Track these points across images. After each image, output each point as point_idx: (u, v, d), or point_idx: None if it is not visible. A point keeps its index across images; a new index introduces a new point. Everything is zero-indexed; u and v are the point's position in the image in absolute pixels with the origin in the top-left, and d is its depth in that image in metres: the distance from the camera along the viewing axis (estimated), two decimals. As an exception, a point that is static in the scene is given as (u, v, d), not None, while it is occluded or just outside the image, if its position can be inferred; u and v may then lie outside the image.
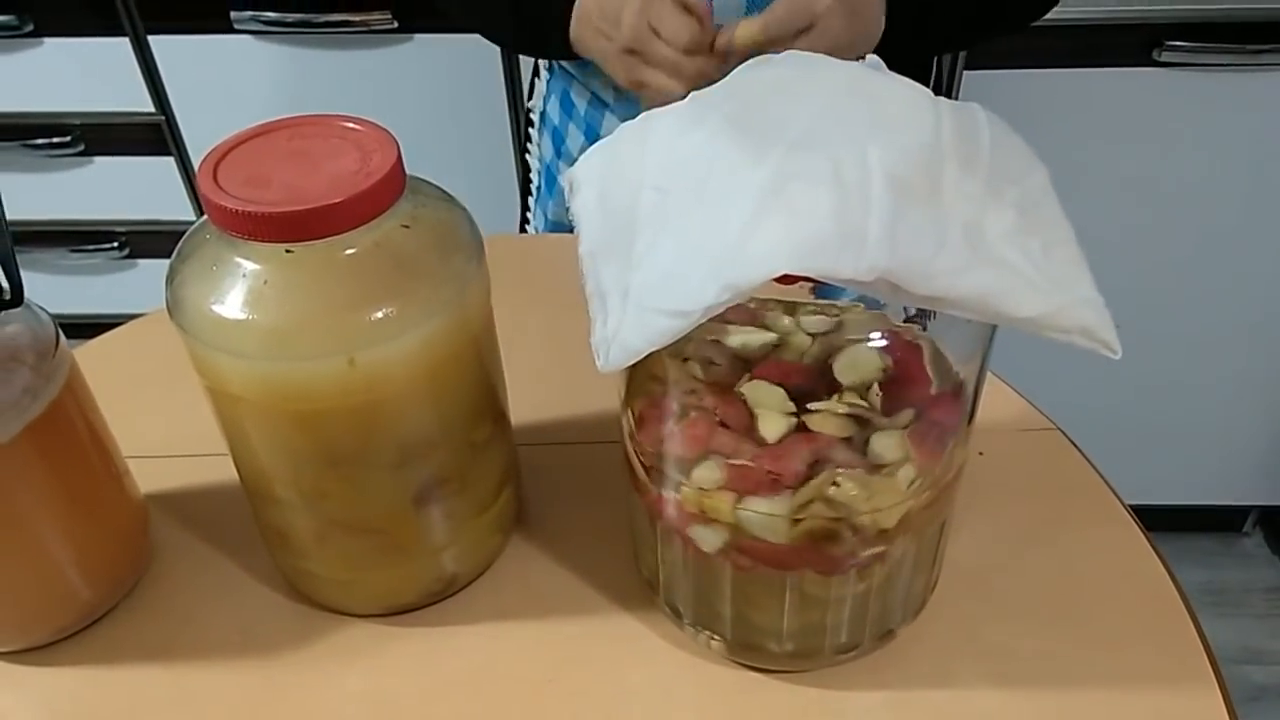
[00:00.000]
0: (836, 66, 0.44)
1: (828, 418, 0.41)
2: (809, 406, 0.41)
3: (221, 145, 0.45)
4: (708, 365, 0.41)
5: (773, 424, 0.41)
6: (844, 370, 0.40)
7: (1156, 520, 0.70)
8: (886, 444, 0.41)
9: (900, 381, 0.41)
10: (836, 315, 0.41)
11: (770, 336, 0.41)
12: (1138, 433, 1.36)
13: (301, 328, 0.43)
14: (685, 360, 0.42)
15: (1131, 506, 0.59)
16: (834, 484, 0.41)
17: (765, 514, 0.43)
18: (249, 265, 0.43)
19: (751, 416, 0.41)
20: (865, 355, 0.40)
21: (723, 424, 0.42)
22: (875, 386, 0.40)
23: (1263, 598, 1.42)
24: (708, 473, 0.43)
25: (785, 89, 0.42)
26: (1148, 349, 1.28)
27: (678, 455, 0.44)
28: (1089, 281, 0.39)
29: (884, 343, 0.40)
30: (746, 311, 0.42)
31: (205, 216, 0.44)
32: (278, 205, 0.41)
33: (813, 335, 0.41)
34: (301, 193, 0.42)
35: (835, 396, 0.40)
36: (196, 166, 0.50)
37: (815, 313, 0.41)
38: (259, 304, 0.42)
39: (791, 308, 0.42)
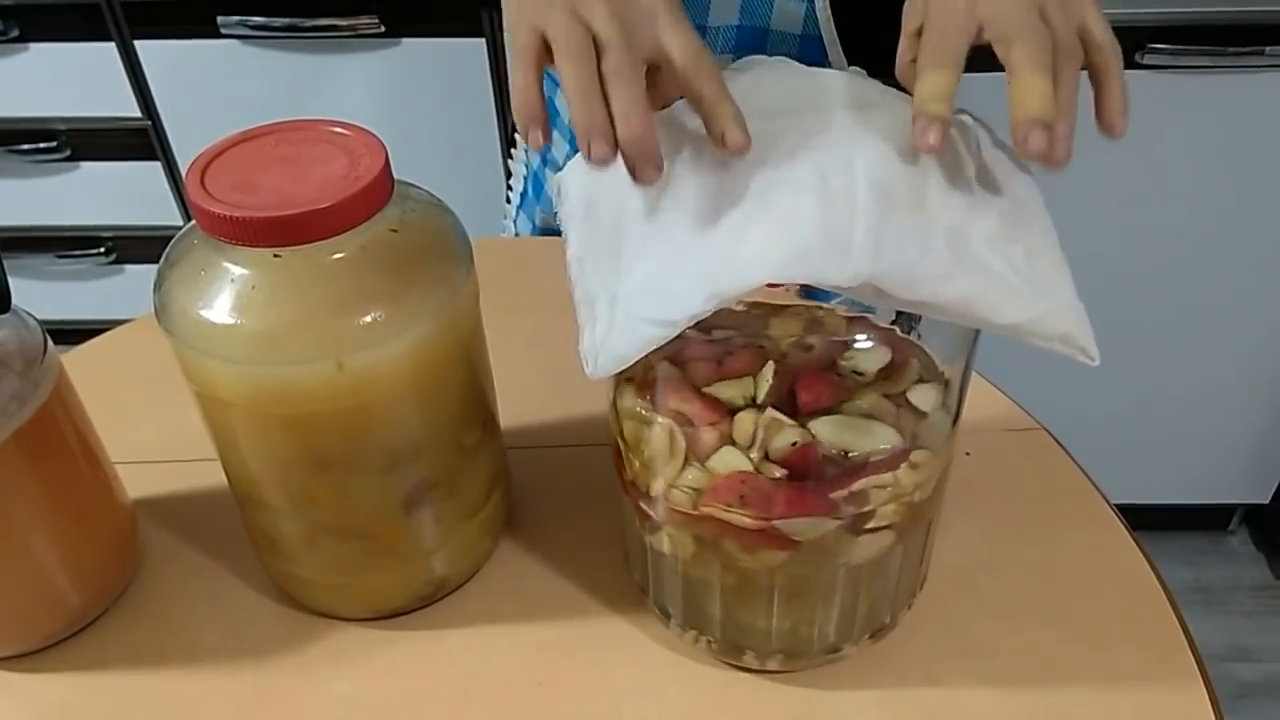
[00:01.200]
0: (821, 75, 0.45)
1: (748, 421, 0.42)
2: (765, 404, 0.42)
3: (209, 150, 0.45)
4: (803, 345, 0.42)
5: (728, 388, 0.42)
6: (829, 426, 0.42)
7: (1142, 519, 0.70)
8: (722, 457, 0.42)
9: (826, 474, 0.42)
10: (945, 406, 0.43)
11: (879, 361, 0.42)
12: (1124, 432, 1.36)
13: (289, 332, 0.43)
14: (802, 337, 0.43)
15: (1117, 506, 0.60)
16: (647, 423, 0.44)
17: (618, 405, 0.44)
18: (237, 270, 0.43)
19: (745, 373, 0.43)
20: (858, 435, 0.42)
21: (722, 363, 0.43)
22: (803, 448, 0.41)
23: (1249, 595, 1.42)
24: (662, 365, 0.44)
25: (770, 97, 0.43)
26: (1133, 349, 1.28)
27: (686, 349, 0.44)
28: (1070, 288, 0.39)
29: (884, 453, 0.42)
30: (918, 363, 0.43)
31: (193, 222, 0.44)
32: (265, 210, 0.41)
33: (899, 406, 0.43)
34: (289, 198, 0.42)
35: (783, 420, 0.41)
36: (184, 172, 0.50)
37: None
38: (247, 309, 0.42)
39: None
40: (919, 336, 0.44)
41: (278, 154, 0.45)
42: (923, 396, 0.43)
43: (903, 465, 0.42)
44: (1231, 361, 1.31)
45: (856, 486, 0.42)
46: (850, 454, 0.42)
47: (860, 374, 0.42)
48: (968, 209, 0.39)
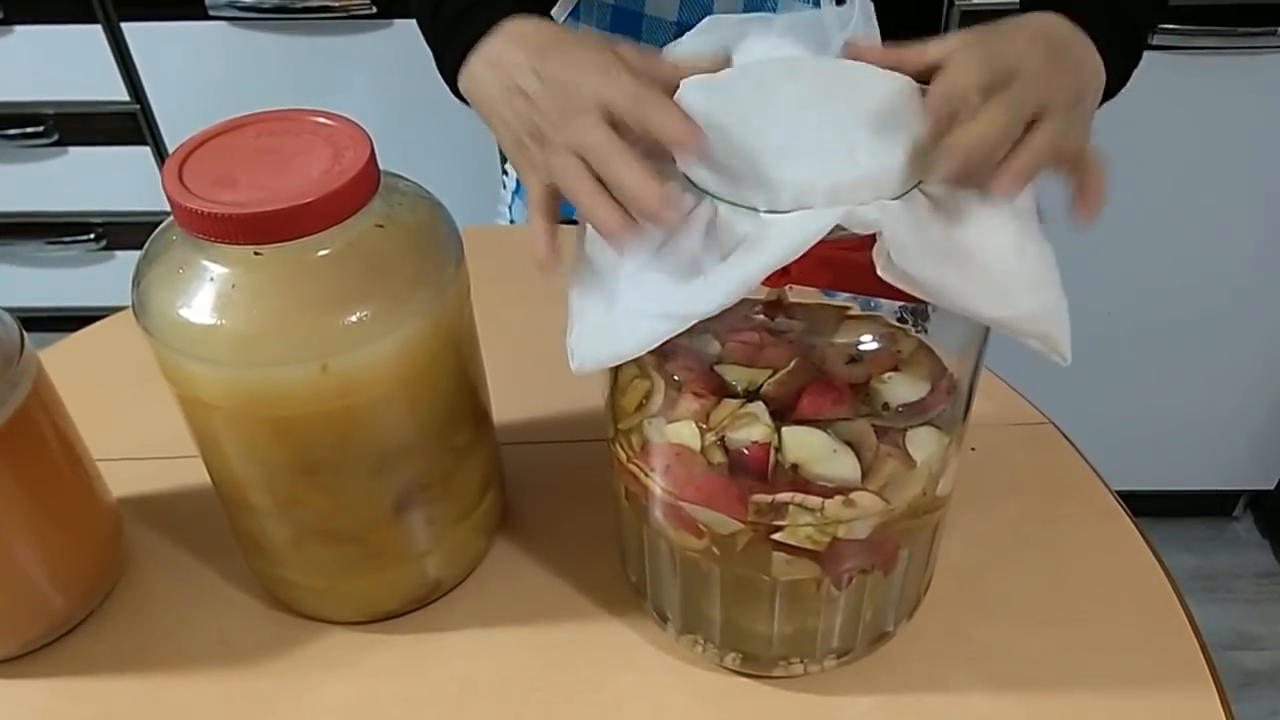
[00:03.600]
0: (814, 63, 0.43)
1: (726, 408, 0.41)
2: (763, 396, 0.41)
3: (187, 143, 0.43)
4: (850, 358, 0.41)
5: (737, 372, 0.42)
6: (797, 437, 0.40)
7: (1147, 506, 0.69)
8: (678, 428, 0.42)
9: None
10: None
11: (906, 397, 0.41)
12: (1128, 418, 1.35)
13: (272, 333, 0.41)
14: (855, 349, 0.41)
15: (1122, 492, 0.59)
16: (644, 374, 0.43)
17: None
18: (216, 268, 0.41)
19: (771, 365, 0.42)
20: (818, 456, 0.41)
21: (761, 350, 0.42)
22: (758, 449, 0.40)
23: (1253, 582, 1.41)
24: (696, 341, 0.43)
25: (766, 90, 0.41)
26: (1138, 334, 1.27)
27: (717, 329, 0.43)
28: (1057, 284, 0.38)
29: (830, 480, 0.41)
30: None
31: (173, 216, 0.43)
32: (245, 206, 0.39)
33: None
34: (270, 192, 0.40)
35: (758, 417, 0.41)
36: (170, 159, 0.48)
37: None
38: (228, 308, 0.41)
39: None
40: (926, 333, 0.43)
41: (259, 146, 0.43)
42: (922, 443, 0.42)
43: (837, 497, 0.41)
44: (1237, 346, 1.30)
45: (780, 498, 0.41)
46: (798, 468, 0.41)
47: (886, 405, 0.41)
48: (959, 198, 0.38)
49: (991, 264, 0.37)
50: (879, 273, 0.35)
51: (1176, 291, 1.25)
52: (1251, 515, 1.51)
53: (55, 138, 1.29)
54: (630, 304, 0.37)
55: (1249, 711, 1.26)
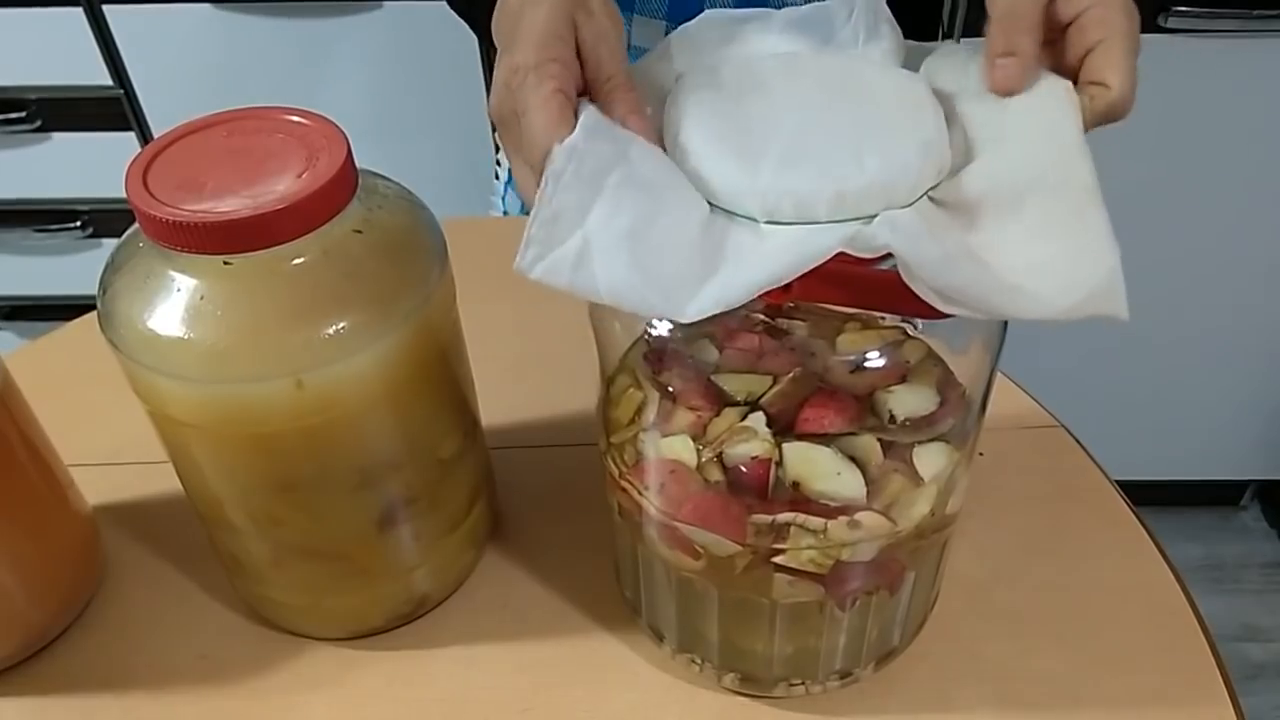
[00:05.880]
0: (819, 60, 0.40)
1: (723, 423, 0.39)
2: (763, 408, 0.39)
3: (153, 145, 0.41)
4: (856, 369, 0.39)
5: (736, 381, 0.39)
6: (799, 453, 0.38)
7: (1153, 495, 0.67)
8: (672, 443, 0.40)
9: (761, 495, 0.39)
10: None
11: (915, 410, 0.39)
12: (1134, 407, 1.33)
13: (243, 347, 0.39)
14: (861, 358, 0.39)
15: (1128, 482, 0.57)
16: (636, 384, 0.41)
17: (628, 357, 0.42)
18: (184, 279, 0.39)
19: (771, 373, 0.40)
20: (821, 474, 0.38)
21: (761, 357, 0.40)
22: (758, 465, 0.39)
23: (1260, 573, 1.40)
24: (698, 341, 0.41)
25: (767, 89, 0.38)
26: (1146, 322, 1.25)
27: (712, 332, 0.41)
28: (1107, 255, 0.35)
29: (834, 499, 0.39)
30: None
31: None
32: (213, 213, 0.37)
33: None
34: (240, 198, 0.38)
35: (756, 431, 0.38)
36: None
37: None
38: (196, 321, 0.39)
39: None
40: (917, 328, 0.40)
41: (229, 146, 0.41)
42: (930, 460, 0.40)
43: (841, 518, 0.39)
44: (1246, 335, 1.28)
45: (780, 519, 0.39)
46: (799, 485, 0.38)
47: (894, 418, 0.39)
48: (986, 208, 0.35)
49: (1014, 265, 0.34)
50: (907, 282, 0.32)
51: (1186, 279, 1.23)
52: (1259, 504, 1.49)
53: (38, 123, 1.26)
54: (603, 257, 0.33)
55: (1254, 705, 1.25)
